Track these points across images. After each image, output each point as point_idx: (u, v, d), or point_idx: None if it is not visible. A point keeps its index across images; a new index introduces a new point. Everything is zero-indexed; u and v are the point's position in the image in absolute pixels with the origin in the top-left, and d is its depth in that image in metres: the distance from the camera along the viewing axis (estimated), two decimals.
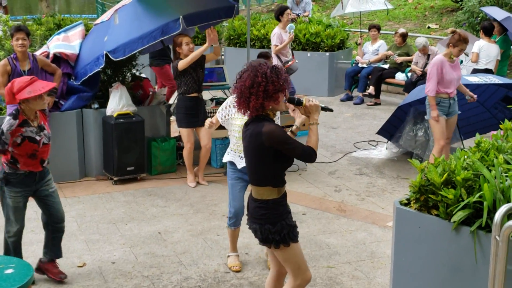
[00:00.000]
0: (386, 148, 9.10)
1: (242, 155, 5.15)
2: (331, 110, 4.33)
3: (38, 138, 4.95)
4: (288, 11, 10.49)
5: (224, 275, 5.36)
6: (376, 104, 12.34)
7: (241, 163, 5.17)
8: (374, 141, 9.63)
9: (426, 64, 11.34)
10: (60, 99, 7.70)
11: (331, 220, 6.62)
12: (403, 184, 7.67)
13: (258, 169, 4.01)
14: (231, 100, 5.25)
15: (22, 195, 5.04)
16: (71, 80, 7.82)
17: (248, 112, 3.96)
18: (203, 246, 5.95)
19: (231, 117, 5.20)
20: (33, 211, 6.73)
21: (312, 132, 4.06)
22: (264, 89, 3.86)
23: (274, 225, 3.99)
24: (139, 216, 6.70)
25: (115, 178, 7.66)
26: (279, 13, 10.43)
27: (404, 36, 12.34)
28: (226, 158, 5.30)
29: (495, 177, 3.94)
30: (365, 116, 11.20)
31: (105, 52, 7.29)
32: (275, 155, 3.93)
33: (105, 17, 8.26)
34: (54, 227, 5.31)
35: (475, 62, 10.00)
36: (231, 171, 5.30)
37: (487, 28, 10.15)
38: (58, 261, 5.51)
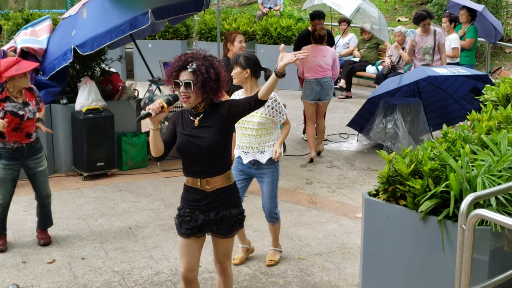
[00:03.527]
0: (357, 141, 9.16)
1: (246, 150, 5.22)
2: (140, 118, 3.81)
3: (21, 113, 5.47)
4: (427, 21, 9.41)
5: None
6: (347, 97, 12.41)
7: (246, 158, 5.24)
8: (345, 133, 9.68)
9: (400, 58, 11.40)
10: None
11: (302, 213, 6.64)
12: (373, 176, 7.71)
13: None
14: (235, 95, 5.24)
15: (11, 169, 5.55)
16: (39, 75, 7.71)
17: None
18: (174, 240, 5.92)
19: None
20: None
21: None
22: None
23: (180, 203, 4.09)
24: (109, 212, 6.64)
25: (85, 174, 7.59)
26: (418, 20, 9.49)
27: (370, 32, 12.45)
28: (236, 153, 5.32)
29: (462, 167, 3.98)
30: (336, 109, 11.24)
31: (73, 47, 7.21)
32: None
33: (72, 11, 8.16)
34: (39, 202, 5.87)
35: (458, 57, 9.88)
36: (235, 163, 5.29)
37: (457, 20, 10.25)
38: (28, 257, 5.52)
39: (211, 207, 3.97)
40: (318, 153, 8.62)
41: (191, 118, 3.94)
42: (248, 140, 5.19)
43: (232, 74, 5.11)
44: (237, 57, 5.20)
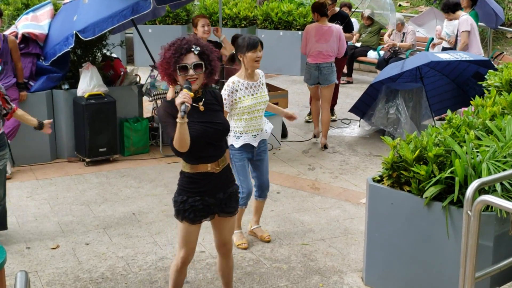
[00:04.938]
0: (359, 126, 9.16)
1: (256, 133, 5.23)
2: (182, 115, 3.65)
3: None
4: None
5: (199, 254, 5.36)
6: (348, 82, 12.39)
7: (255, 141, 5.27)
8: (346, 119, 9.68)
9: (402, 42, 11.42)
10: (30, 80, 7.58)
11: (305, 198, 6.65)
12: (376, 162, 7.72)
13: None
14: (231, 86, 5.12)
15: None
16: (40, 60, 7.70)
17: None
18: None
19: (239, 101, 5.12)
20: None
21: (176, 128, 3.71)
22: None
23: (178, 195, 3.99)
24: (112, 197, 6.65)
25: (87, 160, 7.59)
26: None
27: (370, 17, 12.45)
28: (239, 143, 5.20)
29: (466, 153, 3.99)
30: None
31: (74, 32, 7.18)
32: None
33: None
34: None
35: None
36: (238, 153, 5.21)
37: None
38: (31, 243, 5.54)
39: (219, 188, 4.00)
40: (324, 147, 8.32)
41: (193, 103, 3.87)
42: (260, 122, 5.27)
43: (259, 56, 5.12)
44: (256, 41, 5.13)
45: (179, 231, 4.06)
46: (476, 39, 9.20)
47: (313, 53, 8.26)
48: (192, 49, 3.77)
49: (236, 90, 5.13)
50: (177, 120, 3.66)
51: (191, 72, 3.76)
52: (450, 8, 9.29)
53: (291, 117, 5.58)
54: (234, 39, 7.88)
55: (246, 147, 5.24)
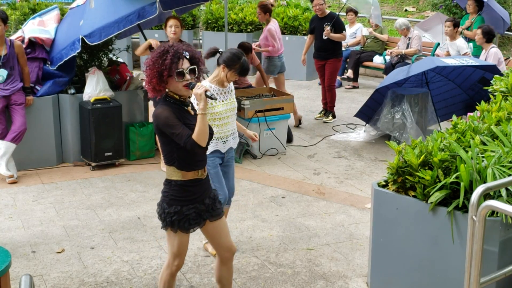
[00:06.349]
0: (364, 131, 9.14)
1: (226, 139, 5.16)
2: (214, 99, 3.82)
3: None
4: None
5: (204, 259, 5.37)
6: (354, 87, 12.39)
7: (224, 148, 5.17)
8: (352, 124, 9.67)
9: (407, 47, 11.42)
10: (36, 84, 7.62)
11: (310, 203, 6.65)
12: (381, 167, 7.71)
13: (162, 148, 3.97)
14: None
15: None
16: (47, 65, 7.73)
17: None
18: None
19: (211, 106, 5.03)
20: (10, 198, 6.69)
21: (197, 122, 3.75)
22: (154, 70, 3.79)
23: (169, 206, 3.93)
24: (118, 202, 6.67)
25: (93, 164, 7.60)
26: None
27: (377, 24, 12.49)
28: (210, 149, 5.06)
29: (472, 158, 3.98)
30: (343, 100, 11.22)
31: (81, 37, 7.21)
32: (171, 137, 3.82)
33: (80, 1, 8.15)
34: None
35: None
36: (211, 159, 5.09)
37: (458, 24, 10.19)
38: (37, 247, 5.52)
39: (206, 193, 4.03)
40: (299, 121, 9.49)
41: (184, 107, 3.89)
42: (231, 128, 5.19)
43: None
44: (248, 70, 5.26)
45: (172, 241, 4.02)
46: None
47: (277, 48, 9.31)
48: (184, 54, 3.78)
49: None
50: (199, 111, 3.70)
51: (187, 77, 3.78)
52: (489, 36, 9.02)
53: (252, 139, 5.44)
54: (240, 47, 7.93)
55: (216, 153, 5.14)
